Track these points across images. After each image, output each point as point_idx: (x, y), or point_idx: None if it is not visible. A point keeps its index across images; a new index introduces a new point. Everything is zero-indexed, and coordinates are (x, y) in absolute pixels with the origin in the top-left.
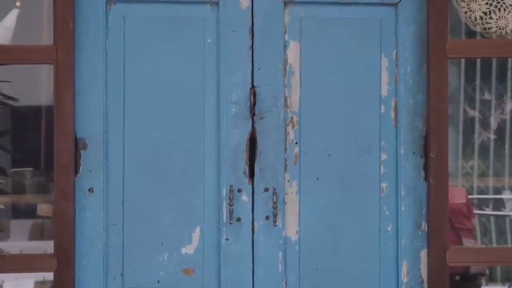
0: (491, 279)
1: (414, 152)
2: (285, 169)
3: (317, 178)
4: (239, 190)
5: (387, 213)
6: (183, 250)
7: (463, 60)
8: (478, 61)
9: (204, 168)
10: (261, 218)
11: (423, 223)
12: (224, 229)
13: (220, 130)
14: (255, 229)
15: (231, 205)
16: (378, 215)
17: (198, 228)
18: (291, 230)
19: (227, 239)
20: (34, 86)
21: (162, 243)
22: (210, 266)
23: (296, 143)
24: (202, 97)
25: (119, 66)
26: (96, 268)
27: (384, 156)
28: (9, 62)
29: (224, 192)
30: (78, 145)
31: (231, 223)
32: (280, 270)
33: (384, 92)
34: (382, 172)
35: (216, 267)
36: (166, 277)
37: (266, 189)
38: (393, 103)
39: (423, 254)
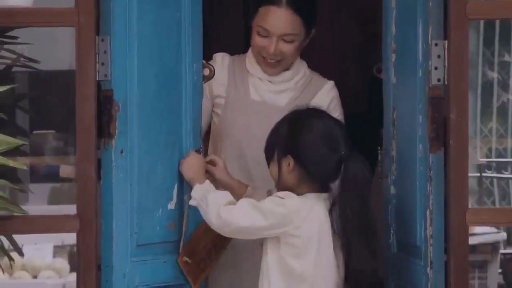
0: (509, 243)
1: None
2: None
3: None
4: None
5: (421, 169)
6: (169, 206)
7: (482, 22)
8: (497, 22)
9: (182, 131)
10: None
11: (427, 184)
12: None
13: (186, 97)
14: None
15: None
16: (418, 174)
17: (176, 185)
18: None
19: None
20: (59, 50)
21: (158, 200)
22: (182, 221)
23: None
24: (180, 68)
25: (134, 34)
26: (125, 228)
27: (420, 118)
28: (30, 25)
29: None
30: (114, 108)
31: None
32: None
33: (420, 57)
34: (420, 134)
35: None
36: (161, 232)
37: None
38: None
39: (428, 213)
